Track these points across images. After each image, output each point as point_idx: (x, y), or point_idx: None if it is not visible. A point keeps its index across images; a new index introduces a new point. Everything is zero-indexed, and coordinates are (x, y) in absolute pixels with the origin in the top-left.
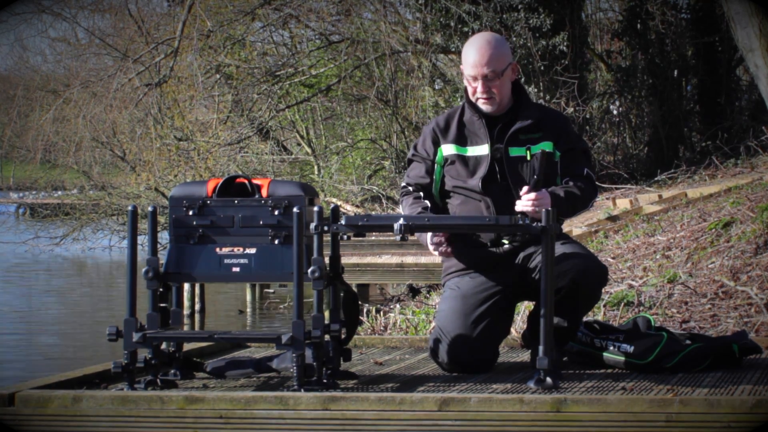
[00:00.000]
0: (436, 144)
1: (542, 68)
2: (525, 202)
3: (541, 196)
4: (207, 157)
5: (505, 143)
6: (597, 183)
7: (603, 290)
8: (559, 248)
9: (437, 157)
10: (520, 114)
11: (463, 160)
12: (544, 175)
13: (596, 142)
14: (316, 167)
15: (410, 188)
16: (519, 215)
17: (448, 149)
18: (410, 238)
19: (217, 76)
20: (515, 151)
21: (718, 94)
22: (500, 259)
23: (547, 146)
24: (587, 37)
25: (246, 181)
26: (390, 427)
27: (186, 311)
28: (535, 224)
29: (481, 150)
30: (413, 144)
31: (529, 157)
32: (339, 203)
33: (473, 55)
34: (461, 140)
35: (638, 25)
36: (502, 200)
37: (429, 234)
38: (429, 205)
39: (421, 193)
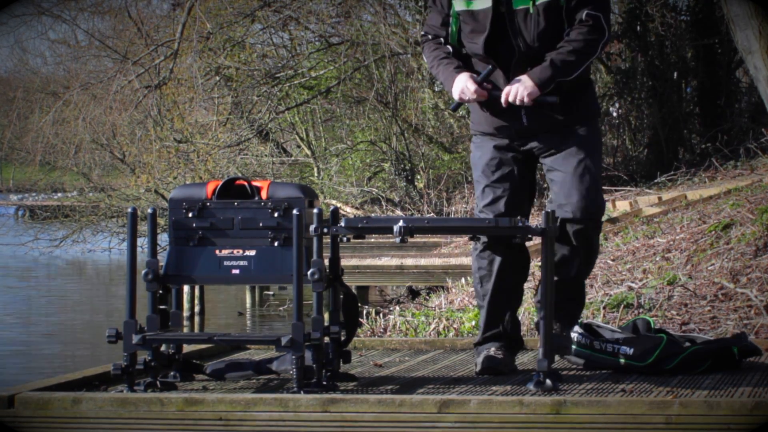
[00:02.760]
0: None
1: None
2: (504, 99)
3: (512, 88)
4: (207, 159)
5: None
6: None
7: (603, 292)
8: (571, 149)
9: (451, 10)
10: None
11: (471, 15)
12: (551, 29)
13: None
14: (315, 169)
15: (429, 36)
16: (519, 218)
17: (458, 4)
18: (410, 239)
19: (217, 78)
20: (519, 3)
21: (717, 96)
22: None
23: None
24: None
25: (245, 183)
26: (390, 429)
27: (185, 313)
28: (535, 226)
29: (485, 2)
30: None
31: (532, 10)
32: (339, 205)
33: None
34: None
35: (638, 27)
36: (508, 62)
37: (464, 80)
38: (450, 50)
39: (441, 40)
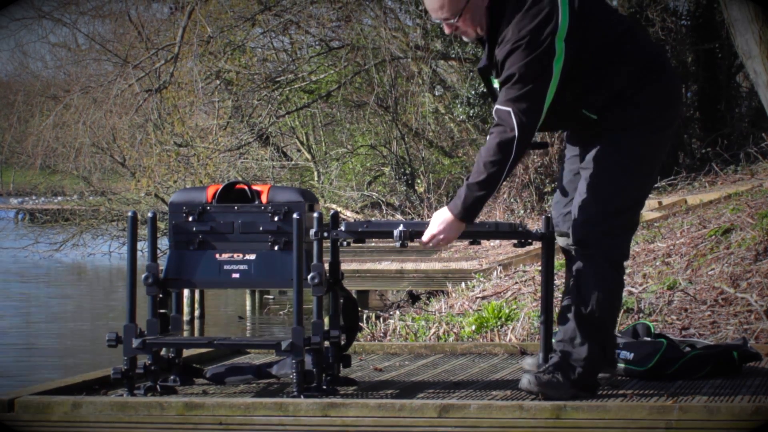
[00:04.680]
0: None
1: None
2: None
3: (426, 237)
4: (207, 163)
5: (483, 72)
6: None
7: None
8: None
9: None
10: (499, 30)
11: None
12: None
13: None
14: (315, 173)
15: None
16: (518, 222)
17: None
18: (410, 243)
19: (217, 81)
20: (494, 81)
21: (718, 101)
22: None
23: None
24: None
25: (246, 187)
26: None
27: (185, 317)
28: (535, 230)
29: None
30: None
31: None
32: (339, 209)
33: (425, 1)
34: None
35: None
36: None
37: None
38: None
39: None
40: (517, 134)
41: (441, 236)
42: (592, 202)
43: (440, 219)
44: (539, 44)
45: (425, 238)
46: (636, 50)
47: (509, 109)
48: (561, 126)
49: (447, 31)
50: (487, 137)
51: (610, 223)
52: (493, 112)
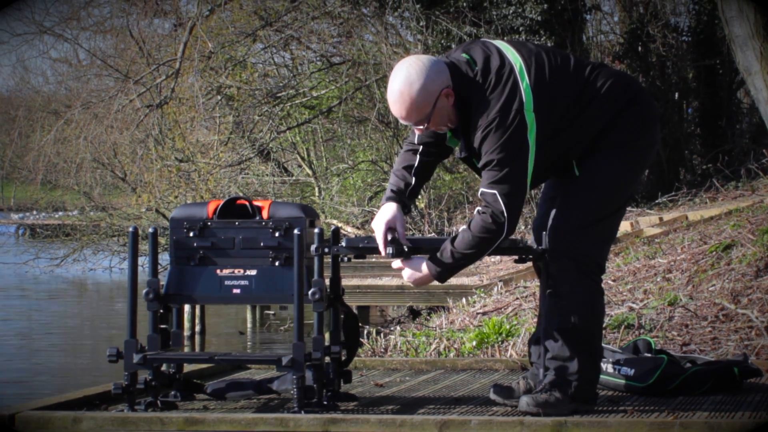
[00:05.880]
0: None
1: None
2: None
3: (406, 269)
4: (208, 179)
5: (465, 161)
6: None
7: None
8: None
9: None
10: (471, 119)
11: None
12: None
13: None
14: (316, 189)
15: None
16: (520, 238)
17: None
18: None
19: (218, 97)
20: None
21: (719, 117)
22: None
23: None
24: (588, 60)
25: (247, 203)
26: None
27: (186, 332)
28: (536, 247)
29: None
30: None
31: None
32: (340, 225)
33: (391, 108)
34: None
35: (639, 48)
36: None
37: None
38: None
39: (420, 147)
40: (507, 216)
41: (409, 282)
42: (563, 212)
43: (415, 268)
44: (510, 122)
45: (397, 264)
46: (606, 85)
47: (494, 191)
48: (548, 177)
49: (417, 132)
50: (476, 213)
51: (579, 232)
52: (479, 194)
